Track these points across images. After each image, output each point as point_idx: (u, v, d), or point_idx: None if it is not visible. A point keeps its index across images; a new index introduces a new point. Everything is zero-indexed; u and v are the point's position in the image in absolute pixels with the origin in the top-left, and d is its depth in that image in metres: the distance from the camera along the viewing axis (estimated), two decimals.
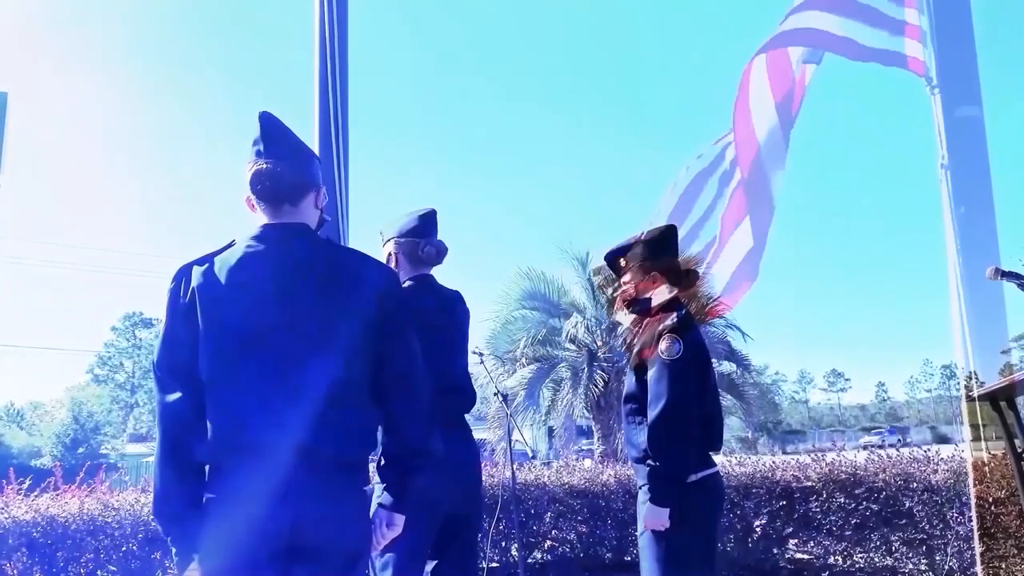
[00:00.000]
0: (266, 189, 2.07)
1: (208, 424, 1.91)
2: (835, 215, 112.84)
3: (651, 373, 2.85)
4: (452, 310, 3.07)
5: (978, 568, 4.66)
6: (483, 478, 6.68)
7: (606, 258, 3.27)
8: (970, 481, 4.16)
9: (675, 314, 2.95)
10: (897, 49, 4.58)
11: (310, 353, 1.93)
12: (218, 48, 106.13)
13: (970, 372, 4.46)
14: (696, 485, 2.82)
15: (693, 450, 2.83)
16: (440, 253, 3.08)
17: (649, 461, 2.79)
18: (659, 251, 3.13)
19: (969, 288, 4.20)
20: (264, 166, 2.07)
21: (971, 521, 5.42)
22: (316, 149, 3.84)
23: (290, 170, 2.09)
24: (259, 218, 2.10)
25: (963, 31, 4.49)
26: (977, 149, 4.37)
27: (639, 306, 3.14)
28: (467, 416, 3.00)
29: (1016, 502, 4.98)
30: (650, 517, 2.77)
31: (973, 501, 4.20)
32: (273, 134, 2.12)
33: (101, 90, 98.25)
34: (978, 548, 4.51)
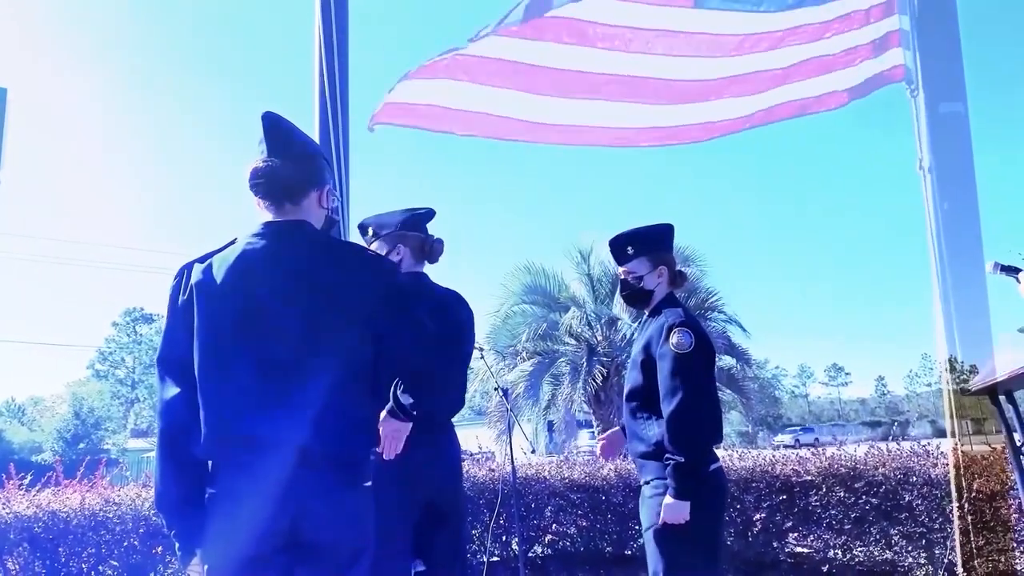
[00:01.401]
0: (261, 186, 2.08)
1: (203, 419, 1.92)
2: (834, 212, 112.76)
3: (662, 367, 2.84)
4: (446, 310, 3.00)
5: (958, 561, 4.68)
6: (484, 473, 6.75)
7: (614, 243, 3.22)
8: (951, 472, 4.16)
9: (681, 309, 2.97)
10: (876, 71, 4.54)
11: (306, 349, 1.94)
12: (218, 47, 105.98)
13: (947, 365, 4.47)
14: (712, 476, 2.83)
15: (711, 442, 2.84)
16: (442, 250, 3.07)
17: (668, 456, 2.76)
18: (667, 246, 3.15)
19: (955, 283, 4.20)
20: (261, 164, 2.07)
21: (970, 515, 5.43)
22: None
23: (289, 168, 2.09)
24: (263, 216, 2.11)
25: (948, 27, 4.47)
26: (961, 146, 4.35)
27: (640, 298, 3.14)
28: (465, 411, 2.99)
29: (1015, 495, 4.99)
30: (671, 512, 2.73)
31: (954, 493, 4.20)
32: (274, 133, 2.13)
33: (103, 87, 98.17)
34: (958, 540, 4.52)
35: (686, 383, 2.76)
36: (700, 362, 2.82)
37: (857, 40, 4.55)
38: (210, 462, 1.97)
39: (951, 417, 4.28)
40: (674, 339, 2.83)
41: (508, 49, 4.74)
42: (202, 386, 1.93)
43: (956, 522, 4.47)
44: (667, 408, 2.78)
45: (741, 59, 4.62)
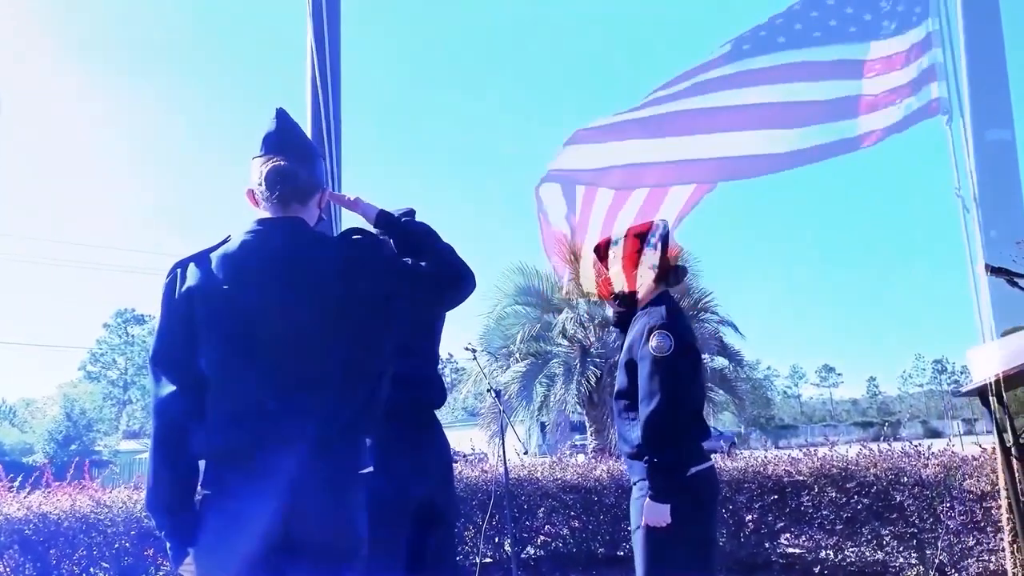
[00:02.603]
0: (284, 187, 2.06)
1: (208, 419, 1.91)
2: (827, 212, 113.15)
3: (642, 370, 2.84)
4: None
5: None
6: (477, 474, 6.75)
7: (595, 249, 3.28)
8: (1001, 479, 4.07)
9: (663, 309, 2.94)
10: (915, 107, 4.44)
11: (309, 345, 1.94)
12: (213, 46, 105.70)
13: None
14: (694, 479, 2.81)
15: (689, 445, 2.83)
16: None
17: (647, 458, 2.77)
18: (648, 245, 3.12)
19: (1000, 306, 4.16)
20: (282, 163, 2.06)
21: (961, 516, 5.45)
22: None
23: (304, 170, 2.10)
24: (259, 212, 2.10)
25: (994, 56, 4.44)
26: (1009, 172, 4.32)
27: (626, 299, 3.14)
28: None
29: (1006, 495, 5.01)
30: (650, 514, 2.75)
31: (1004, 497, 4.08)
32: (290, 132, 2.14)
33: (96, 88, 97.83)
34: (1007, 539, 4.46)
35: (663, 387, 2.76)
36: (679, 365, 2.81)
37: (899, 80, 4.46)
38: (203, 462, 1.96)
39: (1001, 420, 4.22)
40: (653, 342, 2.82)
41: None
42: (210, 386, 1.93)
43: (1006, 521, 4.42)
44: (642, 411, 2.79)
45: (782, 87, 4.55)
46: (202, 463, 1.97)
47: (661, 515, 2.73)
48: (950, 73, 4.40)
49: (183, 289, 1.99)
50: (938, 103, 4.36)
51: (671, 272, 3.13)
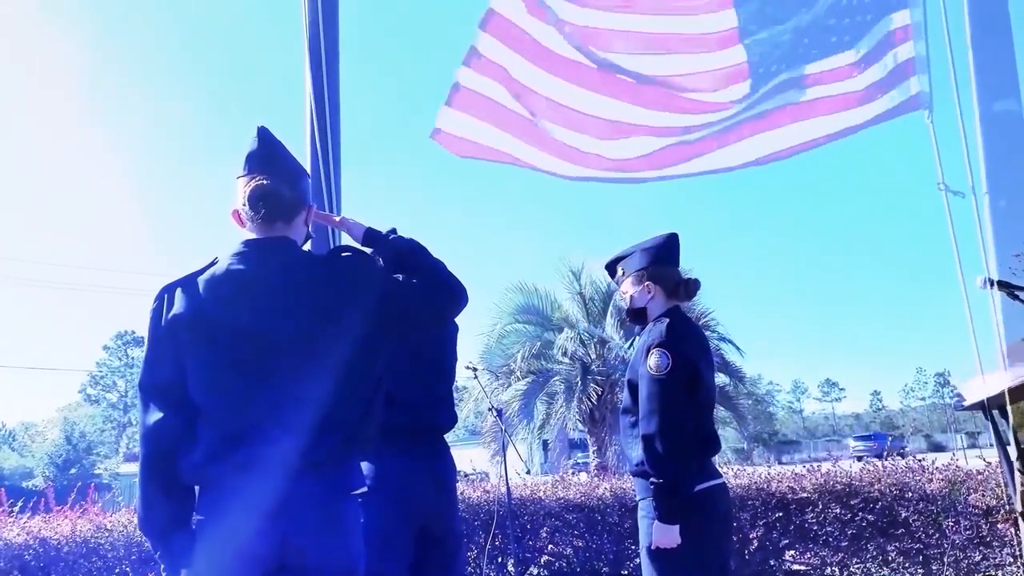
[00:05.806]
0: (267, 207, 2.05)
1: (198, 443, 1.90)
2: (826, 225, 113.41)
3: (641, 390, 2.82)
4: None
5: None
6: (478, 495, 6.72)
7: (606, 267, 3.27)
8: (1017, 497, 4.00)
9: (664, 326, 2.90)
10: (896, 103, 4.46)
11: (301, 367, 1.93)
12: (212, 68, 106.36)
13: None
14: (700, 497, 2.78)
15: (692, 463, 2.79)
16: None
17: (652, 479, 2.75)
18: (656, 260, 3.09)
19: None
20: (264, 183, 2.06)
21: (967, 531, 5.42)
22: (308, 164, 3.83)
23: (287, 188, 2.09)
24: (245, 233, 2.10)
25: (999, 23, 4.39)
26: (1017, 144, 4.27)
27: (635, 315, 3.13)
28: (460, 431, 2.98)
29: (1011, 510, 4.98)
30: (658, 535, 2.71)
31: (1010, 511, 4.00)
32: (272, 151, 2.13)
33: (94, 106, 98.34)
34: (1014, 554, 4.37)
35: (661, 407, 2.74)
36: (677, 383, 2.78)
37: (879, 74, 4.50)
38: (197, 487, 1.95)
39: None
40: (651, 361, 2.81)
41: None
42: (200, 410, 1.92)
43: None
44: (642, 431, 2.78)
45: (770, 99, 4.58)
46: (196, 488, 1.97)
47: (670, 537, 2.69)
48: (955, 49, 4.34)
49: (170, 315, 1.98)
50: (918, 97, 4.36)
51: (681, 286, 3.08)
